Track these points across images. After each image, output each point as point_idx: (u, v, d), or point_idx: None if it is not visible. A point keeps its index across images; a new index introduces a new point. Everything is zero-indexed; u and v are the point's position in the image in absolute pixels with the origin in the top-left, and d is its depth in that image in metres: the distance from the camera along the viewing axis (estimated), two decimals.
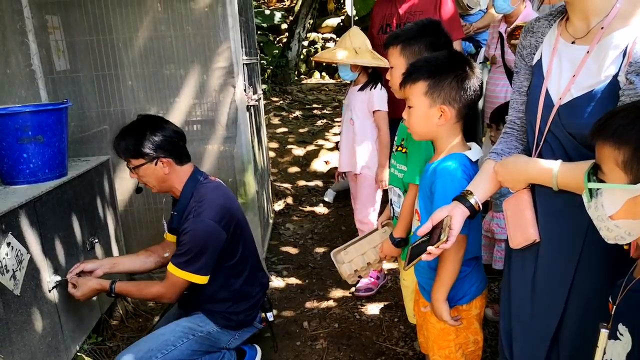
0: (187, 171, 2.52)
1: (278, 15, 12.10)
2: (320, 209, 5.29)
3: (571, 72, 1.50)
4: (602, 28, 1.45)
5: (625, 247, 1.30)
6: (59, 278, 2.39)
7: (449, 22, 3.64)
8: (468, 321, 1.94)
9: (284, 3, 13.73)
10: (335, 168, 5.84)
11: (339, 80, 10.47)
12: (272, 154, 6.28)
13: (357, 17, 10.22)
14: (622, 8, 1.43)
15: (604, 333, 1.26)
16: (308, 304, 3.46)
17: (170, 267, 2.41)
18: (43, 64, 3.14)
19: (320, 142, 6.79)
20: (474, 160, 1.89)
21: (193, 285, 2.44)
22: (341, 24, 12.17)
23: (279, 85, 9.60)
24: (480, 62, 4.31)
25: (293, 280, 3.81)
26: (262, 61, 8.19)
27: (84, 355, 2.62)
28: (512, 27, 3.32)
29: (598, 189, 1.21)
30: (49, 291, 2.33)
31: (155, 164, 2.41)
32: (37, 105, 2.59)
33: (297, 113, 7.93)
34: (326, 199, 5.42)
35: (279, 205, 5.33)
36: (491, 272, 3.06)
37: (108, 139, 3.24)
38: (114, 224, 3.14)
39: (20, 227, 2.13)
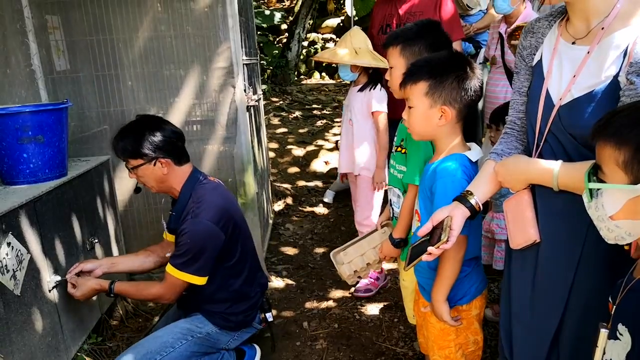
0: (185, 171, 2.52)
1: (278, 16, 12.10)
2: (320, 209, 5.29)
3: (571, 72, 1.50)
4: (602, 28, 1.45)
5: (626, 247, 1.30)
6: (59, 278, 2.39)
7: (448, 22, 3.64)
8: (468, 321, 1.95)
9: (283, 3, 13.74)
10: (336, 168, 5.85)
11: (338, 80, 10.48)
12: (271, 154, 6.29)
13: (357, 18, 10.23)
14: (622, 8, 1.43)
15: (603, 333, 1.27)
16: (308, 304, 3.46)
17: (169, 268, 2.41)
18: (43, 64, 3.14)
19: (320, 142, 6.80)
20: (474, 160, 1.89)
21: (192, 286, 2.44)
22: (341, 24, 12.18)
23: (279, 85, 9.61)
24: (480, 63, 4.31)
25: (293, 281, 3.81)
26: (262, 61, 8.20)
27: (84, 355, 2.62)
28: (512, 27, 3.33)
29: (598, 189, 1.21)
30: (49, 291, 2.33)
31: (154, 164, 2.41)
32: (37, 105, 2.59)
33: (297, 113, 7.94)
34: (325, 200, 5.42)
35: (278, 206, 5.33)
36: (491, 273, 3.06)
37: (108, 139, 3.23)
38: (114, 224, 3.14)
39: (20, 227, 2.13)
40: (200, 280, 2.42)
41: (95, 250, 2.82)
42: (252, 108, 3.77)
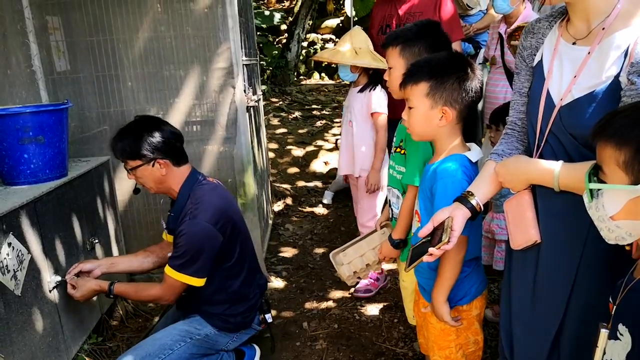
0: (184, 172, 2.51)
1: (277, 16, 12.11)
2: (320, 210, 5.29)
3: (572, 73, 1.50)
4: (603, 29, 1.45)
5: (627, 247, 1.31)
6: (59, 278, 2.39)
7: (448, 22, 3.64)
8: (468, 321, 1.95)
9: (283, 4, 13.75)
10: (335, 169, 5.85)
11: (338, 81, 10.49)
12: (271, 154, 6.29)
13: (356, 18, 10.24)
14: (623, 9, 1.43)
15: (603, 333, 1.27)
16: (307, 305, 3.46)
17: (167, 270, 2.40)
18: (43, 65, 3.14)
19: (319, 142, 6.80)
20: (474, 161, 1.89)
21: (190, 287, 2.44)
22: (340, 24, 12.20)
23: (279, 86, 9.62)
24: (479, 63, 4.31)
25: (292, 281, 3.81)
26: (261, 62, 8.20)
27: (84, 356, 2.62)
28: (512, 28, 3.33)
29: (599, 190, 1.21)
30: (50, 291, 2.33)
31: (153, 165, 2.41)
32: (38, 106, 2.59)
33: (297, 114, 7.95)
34: (325, 201, 5.40)
35: (278, 206, 5.33)
36: (491, 273, 3.06)
37: (108, 140, 3.19)
38: (114, 224, 3.14)
39: (21, 227, 2.13)
40: (199, 282, 2.42)
41: (95, 251, 2.83)
42: (251, 108, 3.77)
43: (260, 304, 2.76)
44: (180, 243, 2.38)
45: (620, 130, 1.14)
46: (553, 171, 1.47)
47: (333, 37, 12.01)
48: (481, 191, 1.67)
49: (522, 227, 1.62)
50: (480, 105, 4.05)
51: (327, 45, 11.70)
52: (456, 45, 3.67)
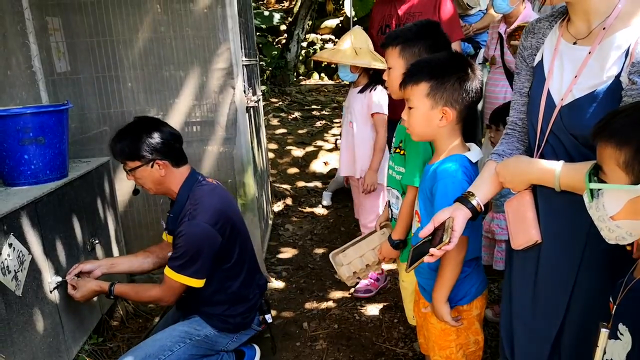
0: (183, 173, 2.51)
1: (277, 17, 12.12)
2: (320, 210, 5.30)
3: (573, 72, 1.51)
4: (603, 29, 1.45)
5: (628, 247, 1.31)
6: (60, 279, 2.39)
7: (448, 22, 3.64)
8: (469, 321, 1.95)
9: (282, 4, 13.75)
10: (335, 169, 5.85)
11: (337, 81, 10.49)
12: (271, 155, 6.29)
13: (356, 18, 10.25)
14: (623, 9, 1.43)
15: (604, 332, 1.27)
16: (307, 305, 3.46)
17: (167, 271, 2.40)
18: (44, 66, 3.14)
19: (319, 143, 6.80)
20: (474, 161, 1.89)
21: (190, 288, 2.44)
22: (340, 25, 12.20)
23: (278, 86, 9.62)
24: (479, 63, 4.31)
25: (292, 281, 3.81)
26: (261, 62, 8.22)
27: (84, 356, 2.62)
28: (511, 27, 3.33)
29: (599, 190, 1.22)
30: (50, 292, 2.33)
31: (152, 166, 2.40)
32: (38, 107, 2.60)
33: (296, 114, 7.95)
34: (324, 202, 5.39)
35: (278, 206, 5.34)
36: (491, 273, 3.06)
37: (108, 141, 3.22)
38: (114, 224, 3.14)
39: (21, 228, 2.13)
40: (198, 283, 2.42)
41: (95, 251, 2.83)
42: (251, 109, 3.77)
43: (260, 304, 2.76)
44: (179, 244, 2.38)
45: (621, 130, 1.14)
46: (554, 171, 1.47)
47: (332, 37, 12.02)
48: (482, 191, 1.67)
49: (523, 227, 1.62)
50: (480, 105, 4.05)
51: (326, 45, 11.71)
52: (456, 45, 3.67)
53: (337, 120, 7.54)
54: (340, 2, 12.93)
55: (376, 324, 3.18)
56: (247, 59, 3.64)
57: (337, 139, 6.65)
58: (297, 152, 6.56)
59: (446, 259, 1.78)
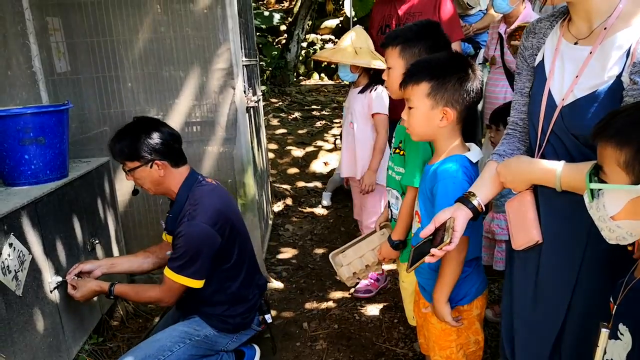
0: (182, 173, 2.51)
1: (277, 17, 12.12)
2: (320, 210, 5.30)
3: (574, 73, 1.50)
4: (605, 29, 1.45)
5: (629, 247, 1.31)
6: (60, 279, 2.39)
7: (448, 22, 3.64)
8: (469, 321, 1.95)
9: (282, 4, 13.76)
10: (335, 169, 5.85)
11: (337, 81, 10.50)
12: (271, 155, 6.29)
13: (355, 19, 10.25)
14: (624, 9, 1.43)
15: (604, 332, 1.27)
16: (307, 305, 3.46)
17: (166, 271, 2.40)
18: (44, 66, 3.14)
19: (319, 143, 6.80)
20: (474, 161, 1.89)
21: (189, 289, 2.44)
22: (340, 25, 12.20)
23: (278, 86, 9.63)
24: (479, 63, 4.31)
25: (292, 281, 3.81)
26: (261, 63, 8.22)
27: (85, 356, 2.62)
28: (512, 27, 3.33)
29: (599, 190, 1.22)
30: (51, 292, 2.33)
31: (151, 166, 2.40)
32: (38, 107, 2.60)
33: (296, 114, 7.95)
34: (324, 203, 5.39)
35: (278, 207, 5.34)
36: (491, 273, 3.06)
37: (108, 141, 3.24)
38: (114, 224, 3.14)
39: (22, 228, 2.13)
40: (197, 284, 2.42)
41: (96, 251, 2.83)
42: (251, 109, 3.77)
43: (260, 304, 2.76)
44: (178, 244, 2.38)
45: (621, 130, 1.14)
46: (555, 171, 1.47)
47: (332, 37, 12.02)
48: (483, 191, 1.67)
49: (523, 228, 1.62)
50: (480, 106, 4.06)
51: (326, 45, 11.71)
52: (456, 46, 3.67)
53: (337, 121, 7.54)
54: (340, 2, 12.94)
55: (376, 324, 3.18)
56: (247, 59, 3.64)
57: (336, 139, 6.65)
58: (297, 152, 6.56)
59: (447, 259, 1.78)
